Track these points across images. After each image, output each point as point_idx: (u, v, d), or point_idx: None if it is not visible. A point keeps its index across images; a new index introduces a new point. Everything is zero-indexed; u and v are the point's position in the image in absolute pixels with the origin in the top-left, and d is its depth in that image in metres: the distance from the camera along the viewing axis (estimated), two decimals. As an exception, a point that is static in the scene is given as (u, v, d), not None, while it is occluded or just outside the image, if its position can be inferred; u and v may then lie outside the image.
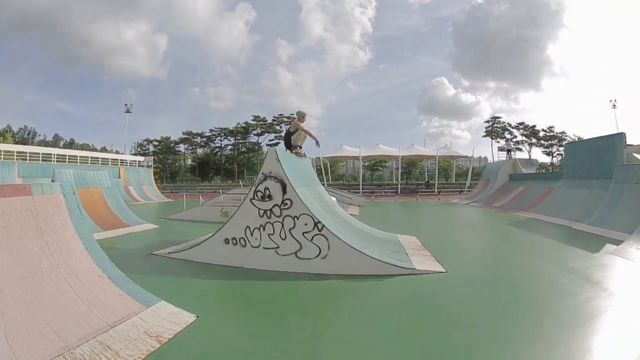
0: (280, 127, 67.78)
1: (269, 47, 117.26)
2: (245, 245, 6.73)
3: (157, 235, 11.24)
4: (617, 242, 8.11)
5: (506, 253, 8.41)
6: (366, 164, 56.48)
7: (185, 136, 71.80)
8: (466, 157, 50.35)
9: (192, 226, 13.08)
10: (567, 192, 15.66)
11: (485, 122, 70.91)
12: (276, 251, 6.47)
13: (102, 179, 14.14)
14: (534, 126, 66.78)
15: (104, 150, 66.34)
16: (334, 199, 10.54)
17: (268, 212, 6.59)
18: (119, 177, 33.33)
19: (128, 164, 38.56)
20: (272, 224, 6.54)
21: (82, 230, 4.56)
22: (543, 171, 28.28)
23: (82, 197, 12.58)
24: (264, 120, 69.72)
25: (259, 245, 6.60)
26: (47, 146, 47.59)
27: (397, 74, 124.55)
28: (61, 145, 73.61)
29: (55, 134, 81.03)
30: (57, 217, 4.33)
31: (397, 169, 52.40)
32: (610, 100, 55.57)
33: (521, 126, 67.54)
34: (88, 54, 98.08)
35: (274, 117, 69.98)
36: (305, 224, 6.35)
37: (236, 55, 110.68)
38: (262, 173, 6.74)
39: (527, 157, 54.76)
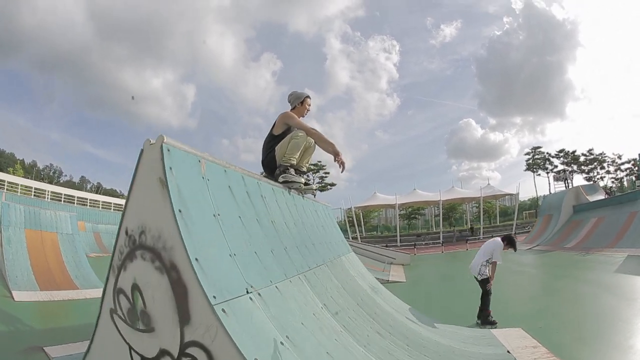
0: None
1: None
2: None
3: (94, 309, 6.93)
4: None
5: None
6: (402, 212, 51.04)
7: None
8: (510, 195, 44.47)
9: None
10: (657, 213, 13.05)
11: (525, 154, 64.81)
12: None
13: (61, 222, 11.40)
14: (574, 151, 60.53)
15: (130, 197, 65.00)
16: None
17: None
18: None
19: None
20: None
21: None
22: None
23: (31, 241, 10.30)
24: (287, 168, 64.30)
25: None
26: (72, 188, 45.92)
27: (425, 119, 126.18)
28: (87, 188, 73.25)
29: (82, 176, 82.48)
30: None
31: (438, 215, 46.83)
32: (643, 110, 49.42)
33: (561, 154, 61.26)
34: (118, 101, 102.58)
35: (301, 166, 65.57)
36: None
37: (265, 107, 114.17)
38: (126, 231, 2.08)
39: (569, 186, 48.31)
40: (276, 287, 2.35)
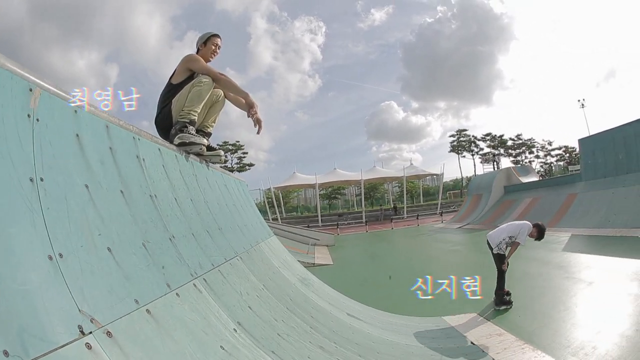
0: (226, 156, 60.10)
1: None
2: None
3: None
4: None
5: None
6: (322, 192, 51.12)
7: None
8: (434, 175, 46.42)
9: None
10: (597, 195, 13.28)
11: (450, 136, 64.67)
12: None
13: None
14: (502, 135, 61.84)
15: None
16: None
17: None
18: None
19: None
20: None
21: None
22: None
23: None
24: (200, 152, 60.34)
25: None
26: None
27: (346, 101, 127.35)
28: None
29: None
30: None
31: (359, 195, 47.63)
32: (579, 100, 51.52)
33: (488, 137, 62.16)
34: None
35: (217, 144, 61.98)
36: None
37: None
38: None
39: (495, 168, 51.68)
40: (147, 311, 1.35)
